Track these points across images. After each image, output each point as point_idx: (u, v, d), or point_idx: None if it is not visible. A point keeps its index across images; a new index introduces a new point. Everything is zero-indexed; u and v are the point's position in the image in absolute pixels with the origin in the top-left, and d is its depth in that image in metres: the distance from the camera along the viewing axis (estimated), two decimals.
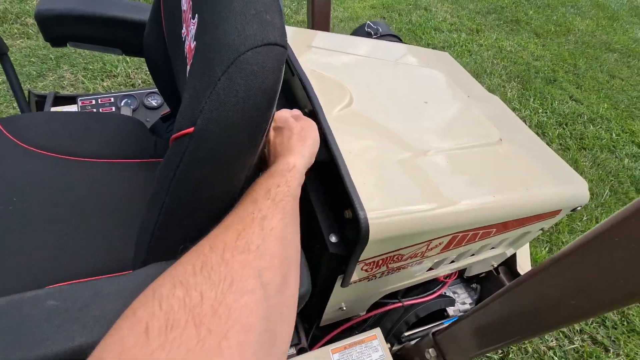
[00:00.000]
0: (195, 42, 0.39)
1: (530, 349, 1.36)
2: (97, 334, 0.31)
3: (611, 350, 1.38)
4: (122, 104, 1.04)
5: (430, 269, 0.74)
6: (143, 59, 0.70)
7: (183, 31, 0.49)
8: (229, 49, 0.31)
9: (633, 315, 1.48)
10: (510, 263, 1.05)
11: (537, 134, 0.79)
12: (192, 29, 0.41)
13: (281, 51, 0.33)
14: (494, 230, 0.62)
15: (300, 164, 0.46)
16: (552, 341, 1.39)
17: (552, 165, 0.71)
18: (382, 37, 0.98)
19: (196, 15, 0.40)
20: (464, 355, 0.65)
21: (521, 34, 3.45)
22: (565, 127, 2.41)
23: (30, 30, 2.53)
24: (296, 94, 0.70)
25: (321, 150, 0.53)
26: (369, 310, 0.82)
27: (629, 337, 1.42)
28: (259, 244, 0.32)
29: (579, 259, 0.39)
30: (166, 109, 1.03)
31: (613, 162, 2.18)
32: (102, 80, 2.21)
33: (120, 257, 0.59)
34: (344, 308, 0.72)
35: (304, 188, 0.56)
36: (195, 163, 0.34)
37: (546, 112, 2.50)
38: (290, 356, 0.65)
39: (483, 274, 1.09)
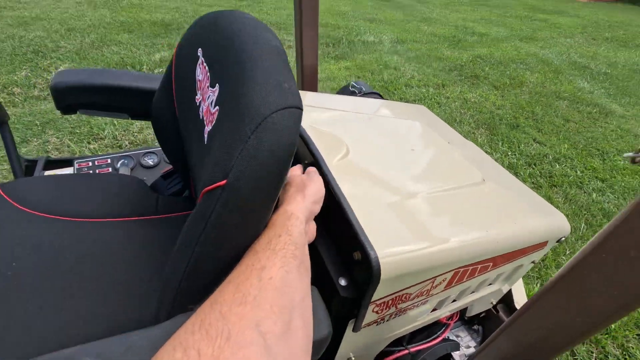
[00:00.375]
0: (217, 107, 0.44)
1: None
2: None
3: None
4: (119, 164, 1.06)
5: (434, 309, 0.75)
6: (129, 122, 0.75)
7: (197, 97, 0.55)
8: (256, 113, 0.36)
9: (632, 348, 1.48)
10: (508, 301, 1.06)
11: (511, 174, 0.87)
12: (212, 95, 0.47)
13: (298, 112, 0.39)
14: (491, 264, 0.65)
15: (298, 210, 0.47)
16: None
17: (532, 201, 0.78)
18: (365, 94, 1.09)
19: (216, 85, 0.46)
20: None
21: (481, 87, 3.82)
22: (534, 166, 2.59)
23: (17, 99, 2.58)
24: (297, 147, 0.75)
25: (326, 196, 0.57)
26: None
27: None
28: (255, 294, 0.32)
29: (570, 280, 0.43)
30: (164, 168, 1.06)
31: (583, 197, 2.32)
32: (89, 142, 2.24)
33: (122, 316, 0.57)
34: (353, 358, 0.70)
35: None
36: (226, 213, 0.36)
37: (515, 154, 2.69)
38: None
39: (483, 314, 1.09)
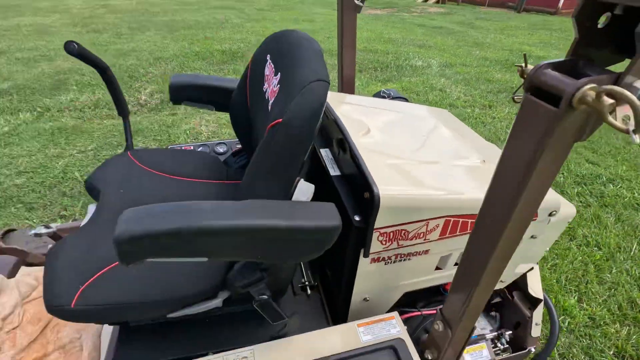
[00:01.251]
0: (279, 86, 0.68)
1: None
2: None
3: None
4: (199, 149, 1.37)
5: (438, 268, 0.88)
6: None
7: (264, 86, 0.79)
8: (301, 81, 0.59)
9: None
10: (523, 287, 1.13)
11: (556, 192, 0.93)
12: (275, 81, 0.71)
13: (326, 84, 0.60)
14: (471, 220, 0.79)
15: None
16: None
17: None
18: (394, 98, 1.28)
19: (279, 73, 0.70)
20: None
21: None
22: (584, 185, 2.50)
23: (114, 113, 3.18)
24: (331, 130, 0.97)
25: (348, 156, 0.77)
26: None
27: None
28: None
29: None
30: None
31: (638, 218, 2.20)
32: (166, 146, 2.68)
33: None
34: (368, 298, 0.86)
35: (334, 185, 0.78)
36: (281, 138, 0.58)
37: (562, 173, 2.63)
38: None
39: (498, 299, 1.17)
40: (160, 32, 5.97)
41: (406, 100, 1.28)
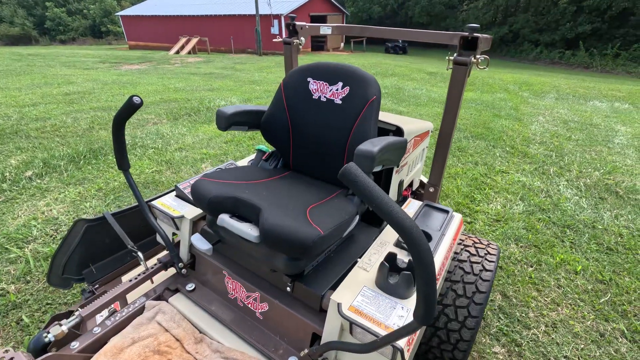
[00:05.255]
0: (347, 87, 1.17)
1: None
2: None
3: None
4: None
5: (407, 175, 1.60)
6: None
7: (315, 96, 1.19)
8: (365, 75, 1.14)
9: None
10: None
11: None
12: (334, 88, 1.16)
13: (374, 78, 1.17)
14: (419, 139, 1.56)
15: None
16: None
17: (422, 122, 1.77)
18: None
19: (338, 82, 1.18)
20: None
21: None
22: None
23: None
24: None
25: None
26: None
27: None
28: None
29: None
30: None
31: None
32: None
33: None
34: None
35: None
36: (371, 115, 1.09)
37: None
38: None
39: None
40: None
41: None
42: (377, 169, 1.01)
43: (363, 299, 0.92)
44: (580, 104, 6.73)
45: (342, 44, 22.08)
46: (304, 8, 18.65)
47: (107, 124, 4.52)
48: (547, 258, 2.14)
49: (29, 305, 1.64)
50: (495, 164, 3.56)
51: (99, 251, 1.42)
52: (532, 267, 2.07)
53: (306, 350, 0.93)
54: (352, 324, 0.86)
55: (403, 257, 1.07)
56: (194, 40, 16.70)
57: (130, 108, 1.00)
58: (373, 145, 0.93)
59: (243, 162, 1.73)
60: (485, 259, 1.33)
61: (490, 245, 1.42)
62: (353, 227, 1.10)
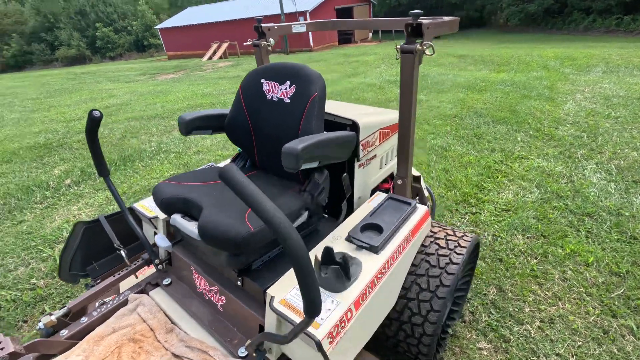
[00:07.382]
0: (294, 86, 1.19)
1: None
2: None
3: None
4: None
5: (381, 168, 1.58)
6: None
7: (268, 96, 1.25)
8: (310, 74, 1.17)
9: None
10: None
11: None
12: (283, 87, 1.20)
13: (320, 74, 1.19)
14: (389, 131, 1.54)
15: None
16: None
17: (392, 113, 1.73)
18: None
19: (286, 82, 1.21)
20: None
21: None
22: None
23: None
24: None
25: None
26: None
27: None
28: None
29: None
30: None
31: None
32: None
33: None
34: (360, 198, 1.46)
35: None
36: (314, 111, 1.11)
37: None
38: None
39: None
40: None
41: None
42: (313, 165, 1.03)
43: (297, 292, 0.95)
44: (632, 76, 6.00)
45: (370, 35, 21.64)
46: (329, 2, 18.53)
47: (137, 132, 4.91)
48: (556, 249, 1.99)
49: (52, 298, 1.88)
50: (515, 149, 3.34)
51: (99, 250, 1.59)
52: (536, 259, 1.94)
53: (249, 342, 0.99)
54: (278, 316, 0.90)
55: (350, 251, 1.09)
56: (225, 45, 17.36)
57: (93, 122, 1.12)
58: (300, 142, 0.96)
59: (227, 162, 1.82)
60: (454, 252, 1.29)
61: (464, 237, 1.36)
62: (299, 223, 1.13)
